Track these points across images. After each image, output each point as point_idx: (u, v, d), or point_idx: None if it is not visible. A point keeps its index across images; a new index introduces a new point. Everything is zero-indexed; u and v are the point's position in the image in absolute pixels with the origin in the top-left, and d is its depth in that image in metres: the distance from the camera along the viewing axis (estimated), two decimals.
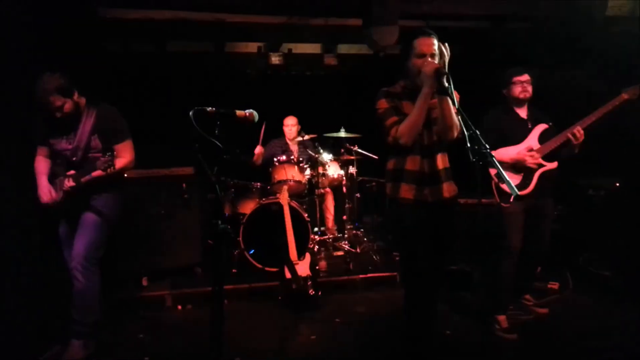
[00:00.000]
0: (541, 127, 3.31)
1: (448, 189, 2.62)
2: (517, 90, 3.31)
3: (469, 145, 2.15)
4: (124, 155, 3.06)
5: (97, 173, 2.89)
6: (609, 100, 3.09)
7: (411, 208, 2.58)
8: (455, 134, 2.44)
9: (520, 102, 3.35)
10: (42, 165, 3.07)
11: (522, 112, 3.37)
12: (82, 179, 2.90)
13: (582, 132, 3.10)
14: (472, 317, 3.59)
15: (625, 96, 3.03)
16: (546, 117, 3.37)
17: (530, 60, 4.08)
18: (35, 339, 3.19)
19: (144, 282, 4.18)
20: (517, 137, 3.32)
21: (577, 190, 4.50)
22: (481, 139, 2.13)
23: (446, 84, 2.30)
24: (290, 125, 5.48)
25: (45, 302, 3.48)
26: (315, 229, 5.43)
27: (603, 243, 4.32)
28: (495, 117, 3.38)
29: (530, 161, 3.22)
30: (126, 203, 3.26)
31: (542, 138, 3.29)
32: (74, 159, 2.99)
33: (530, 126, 3.33)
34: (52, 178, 3.05)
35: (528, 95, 3.31)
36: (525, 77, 3.31)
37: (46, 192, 2.97)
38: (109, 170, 2.82)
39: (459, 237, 2.87)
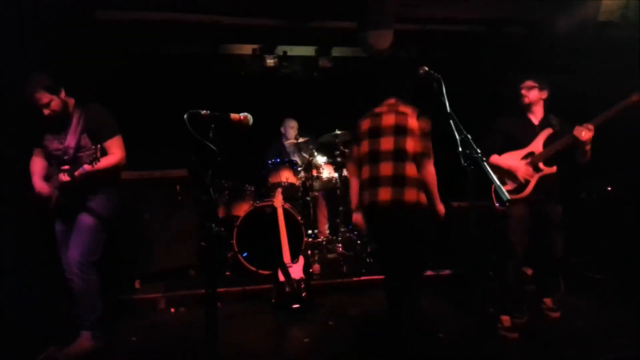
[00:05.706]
0: (546, 132, 3.34)
1: (406, 193, 2.73)
2: (519, 98, 3.38)
3: (460, 149, 2.17)
4: (114, 152, 3.07)
5: (88, 167, 2.91)
6: (605, 105, 3.11)
7: (369, 211, 2.84)
8: None
9: (526, 108, 3.40)
10: (36, 166, 3.09)
11: (534, 118, 3.41)
12: (76, 172, 2.89)
13: (591, 129, 3.10)
14: (469, 319, 3.58)
15: (635, 98, 3.04)
16: (559, 123, 3.36)
17: (525, 64, 4.11)
18: (32, 340, 3.18)
19: (137, 285, 4.16)
20: (524, 141, 3.36)
21: (569, 193, 4.52)
22: (472, 143, 2.15)
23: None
24: (290, 128, 5.51)
25: (43, 303, 3.48)
26: (309, 232, 5.43)
27: (596, 246, 4.34)
28: (504, 120, 3.45)
29: (521, 174, 3.28)
30: (121, 204, 3.25)
31: (548, 143, 3.31)
32: (65, 158, 3.01)
33: (537, 131, 3.37)
34: (47, 180, 3.05)
35: (527, 101, 3.36)
36: (528, 83, 3.36)
37: (39, 188, 2.99)
38: (94, 164, 2.84)
39: (431, 240, 2.95)
